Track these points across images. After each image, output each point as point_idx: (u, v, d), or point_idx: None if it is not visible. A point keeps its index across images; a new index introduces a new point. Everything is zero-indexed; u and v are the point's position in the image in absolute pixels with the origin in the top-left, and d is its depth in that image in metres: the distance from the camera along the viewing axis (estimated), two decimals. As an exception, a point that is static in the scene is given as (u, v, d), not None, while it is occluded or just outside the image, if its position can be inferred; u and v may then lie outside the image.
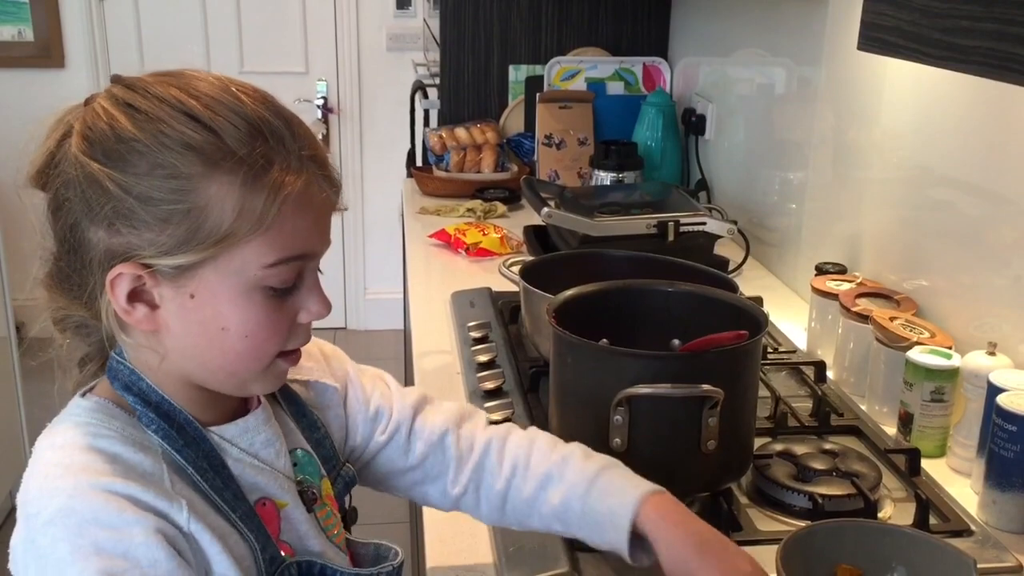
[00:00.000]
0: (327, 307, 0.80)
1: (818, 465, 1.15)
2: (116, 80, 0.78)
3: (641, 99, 2.66)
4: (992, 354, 1.22)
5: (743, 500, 1.15)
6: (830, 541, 0.95)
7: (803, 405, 1.38)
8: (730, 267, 1.94)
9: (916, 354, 1.26)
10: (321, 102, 4.00)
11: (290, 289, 0.78)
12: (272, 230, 0.74)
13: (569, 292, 1.16)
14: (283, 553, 0.82)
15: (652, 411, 1.01)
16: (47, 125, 0.78)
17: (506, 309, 1.67)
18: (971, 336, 1.33)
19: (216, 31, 3.83)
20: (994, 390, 1.14)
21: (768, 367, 1.49)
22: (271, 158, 0.74)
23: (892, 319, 1.37)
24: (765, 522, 1.11)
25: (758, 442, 1.19)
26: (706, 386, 0.99)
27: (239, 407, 0.85)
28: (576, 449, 0.95)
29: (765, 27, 2.15)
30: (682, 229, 1.79)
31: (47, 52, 3.71)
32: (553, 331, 1.10)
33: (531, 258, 1.79)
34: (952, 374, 1.24)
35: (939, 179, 1.45)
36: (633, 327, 1.19)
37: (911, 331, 1.34)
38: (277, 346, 0.79)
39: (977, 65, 0.77)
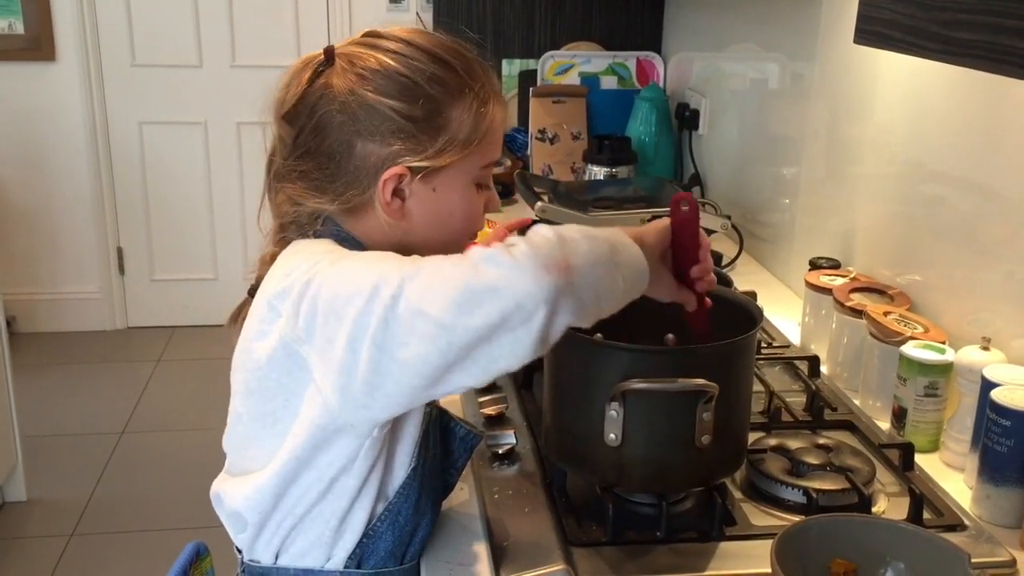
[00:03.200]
0: (499, 203, 1.09)
1: (812, 460, 1.15)
2: (328, 51, 0.99)
3: (635, 94, 2.66)
4: (986, 349, 1.22)
5: (737, 495, 1.15)
6: (824, 536, 0.95)
7: (797, 400, 1.38)
8: (724, 262, 1.94)
9: (910, 349, 1.26)
10: (314, 96, 3.98)
11: (482, 187, 1.04)
12: (485, 141, 1.00)
13: (563, 286, 1.16)
14: None
15: (646, 406, 1.01)
16: (288, 72, 1.02)
17: (499, 304, 1.67)
18: (965, 331, 1.33)
19: (208, 24, 3.81)
20: (988, 385, 1.14)
21: (762, 362, 1.49)
22: (487, 91, 1.01)
23: (886, 314, 1.37)
24: (759, 517, 1.11)
25: (752, 437, 1.19)
26: (700, 380, 0.99)
27: None
28: None
29: (759, 22, 2.15)
30: (676, 224, 1.79)
31: (38, 45, 3.68)
32: (547, 325, 1.09)
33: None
34: (946, 369, 1.24)
35: (932, 174, 1.45)
36: (627, 322, 1.18)
37: (905, 326, 1.34)
38: (477, 228, 1.06)
39: (975, 59, 0.77)
